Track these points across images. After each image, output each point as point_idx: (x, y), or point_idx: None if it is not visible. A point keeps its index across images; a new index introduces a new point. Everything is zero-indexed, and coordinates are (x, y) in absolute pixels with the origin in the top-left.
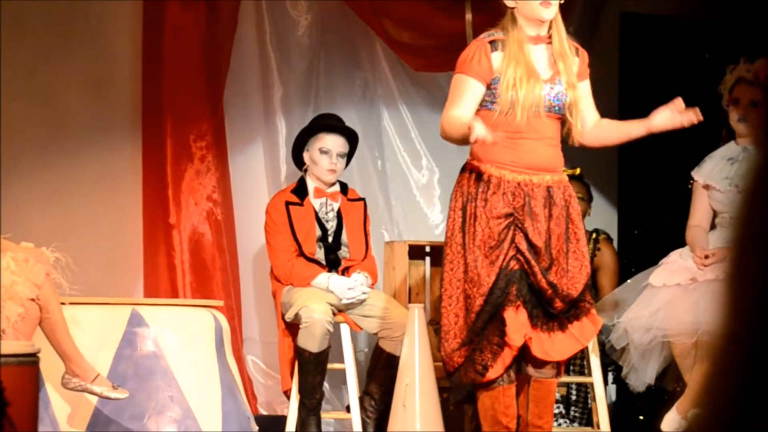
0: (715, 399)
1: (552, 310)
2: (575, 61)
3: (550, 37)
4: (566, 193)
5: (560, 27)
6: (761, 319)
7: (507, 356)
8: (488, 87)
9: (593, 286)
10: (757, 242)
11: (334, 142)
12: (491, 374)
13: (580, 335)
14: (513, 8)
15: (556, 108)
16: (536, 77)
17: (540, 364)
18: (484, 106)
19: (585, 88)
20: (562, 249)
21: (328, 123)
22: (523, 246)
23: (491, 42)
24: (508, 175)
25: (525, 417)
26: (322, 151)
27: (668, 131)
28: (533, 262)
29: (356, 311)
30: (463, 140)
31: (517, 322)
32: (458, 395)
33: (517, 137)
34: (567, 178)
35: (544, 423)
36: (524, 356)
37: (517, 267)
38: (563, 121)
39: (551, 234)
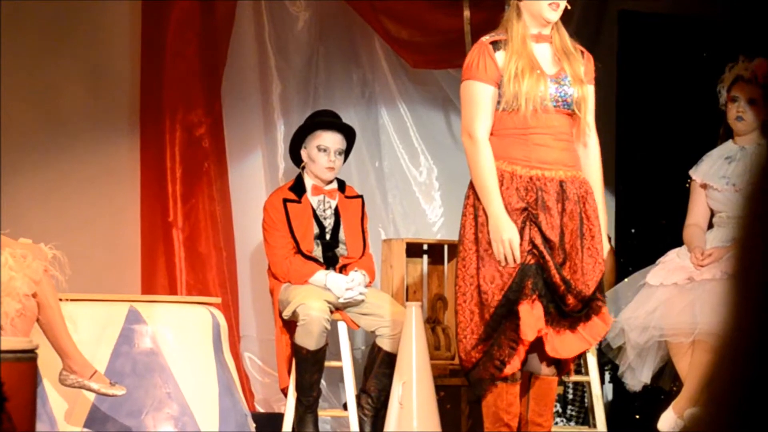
0: (716, 398)
1: (564, 307)
2: (581, 61)
3: (551, 37)
4: (581, 189)
5: (561, 27)
6: (764, 318)
7: (521, 352)
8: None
9: None
10: (761, 241)
11: (332, 140)
12: (508, 369)
13: (590, 334)
14: (520, 2)
15: (564, 103)
16: (540, 71)
17: (548, 361)
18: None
19: (588, 93)
20: (576, 245)
21: (326, 120)
22: (538, 240)
23: (493, 43)
24: (520, 170)
25: (525, 415)
26: (320, 149)
27: (667, 128)
28: (548, 257)
29: (354, 309)
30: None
31: (531, 316)
32: (478, 391)
33: (527, 133)
34: (584, 176)
35: (544, 421)
36: (533, 352)
37: (533, 261)
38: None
39: (564, 229)
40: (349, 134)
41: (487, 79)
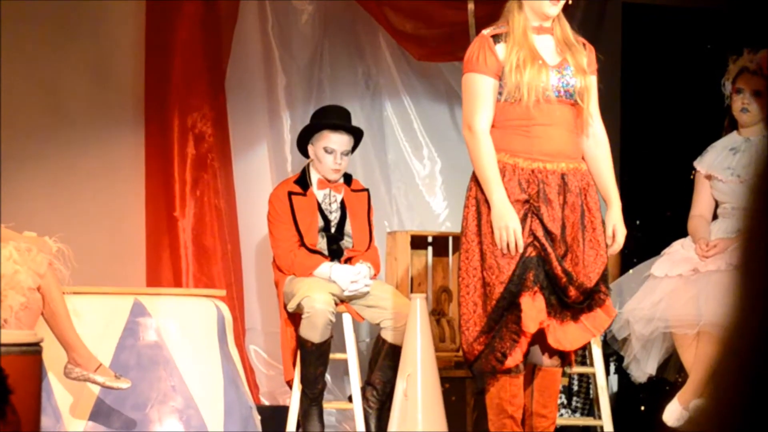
0: (721, 389)
1: (566, 299)
2: (583, 52)
3: (553, 29)
4: (583, 181)
5: (562, 18)
6: None
7: (523, 344)
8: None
9: None
10: (766, 232)
11: (338, 141)
12: (510, 362)
13: (593, 325)
14: None
15: (567, 94)
16: (541, 62)
17: (551, 353)
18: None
19: (591, 83)
20: (577, 237)
21: (334, 123)
22: (540, 233)
23: (493, 36)
24: (522, 163)
25: (529, 406)
26: (327, 151)
27: (671, 120)
28: (549, 249)
29: (358, 301)
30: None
31: (533, 309)
32: (481, 383)
33: (530, 124)
34: (585, 167)
35: (548, 412)
36: (536, 344)
37: (534, 254)
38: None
39: (566, 221)
40: (356, 133)
41: (488, 71)
